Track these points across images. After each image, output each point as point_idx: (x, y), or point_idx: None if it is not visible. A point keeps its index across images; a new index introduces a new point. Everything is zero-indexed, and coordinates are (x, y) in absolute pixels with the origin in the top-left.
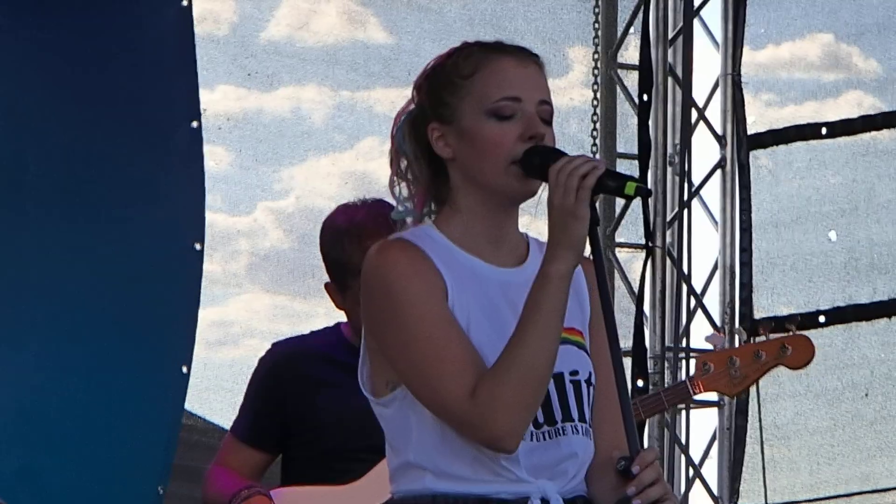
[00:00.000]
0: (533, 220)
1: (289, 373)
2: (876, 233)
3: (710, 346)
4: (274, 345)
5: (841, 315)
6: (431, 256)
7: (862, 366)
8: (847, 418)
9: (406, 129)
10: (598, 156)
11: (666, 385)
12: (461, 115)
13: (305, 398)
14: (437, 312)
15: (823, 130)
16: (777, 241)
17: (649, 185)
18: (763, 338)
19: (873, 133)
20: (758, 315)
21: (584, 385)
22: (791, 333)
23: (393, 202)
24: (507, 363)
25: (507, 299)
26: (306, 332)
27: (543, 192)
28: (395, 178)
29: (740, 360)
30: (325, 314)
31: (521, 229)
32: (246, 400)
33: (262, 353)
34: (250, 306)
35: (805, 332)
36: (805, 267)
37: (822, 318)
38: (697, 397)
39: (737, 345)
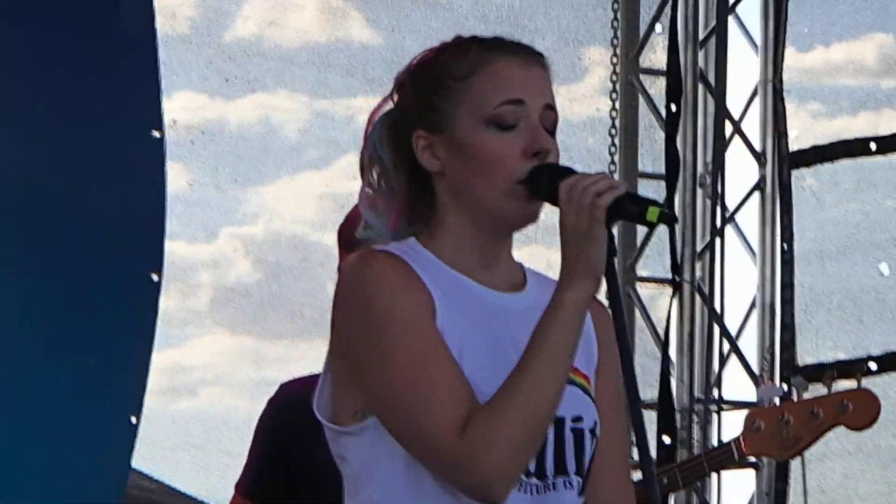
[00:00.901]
0: (534, 247)
1: (295, 420)
2: None
3: (745, 398)
4: (282, 386)
5: (895, 361)
6: (418, 271)
7: None
8: None
9: (384, 133)
10: (616, 176)
11: (694, 443)
12: (454, 124)
13: (309, 450)
14: (425, 333)
15: (873, 146)
16: (822, 275)
17: (676, 210)
18: (824, 390)
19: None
20: (801, 361)
21: (587, 435)
22: (855, 387)
23: None
24: (506, 397)
25: (505, 326)
26: (272, 378)
27: (550, 216)
28: (367, 189)
29: (793, 419)
30: (300, 358)
31: (522, 258)
32: (250, 449)
33: (224, 403)
34: (212, 349)
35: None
36: (853, 305)
37: (872, 365)
38: None
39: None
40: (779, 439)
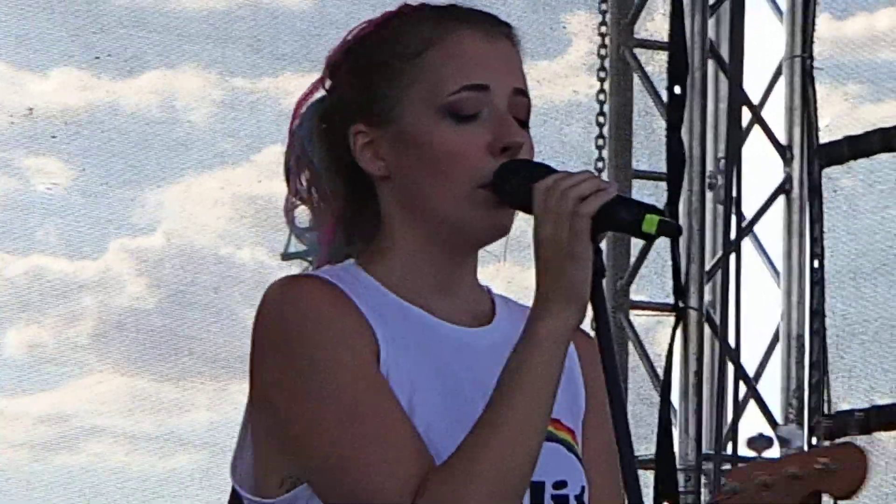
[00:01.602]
0: (503, 267)
1: None
2: None
3: (765, 454)
4: None
5: None
6: (357, 302)
7: None
8: None
9: (314, 128)
10: (605, 175)
11: None
12: (401, 114)
13: None
14: (366, 378)
15: None
16: (856, 298)
17: (681, 219)
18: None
19: None
20: (833, 408)
21: (573, 502)
22: (837, 443)
23: None
24: (470, 456)
25: (467, 368)
26: (179, 429)
27: (525, 227)
28: (293, 196)
29: (773, 482)
30: (208, 406)
31: (486, 282)
32: None
33: (112, 460)
34: (97, 393)
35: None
36: (892, 337)
37: None
38: None
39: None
40: None
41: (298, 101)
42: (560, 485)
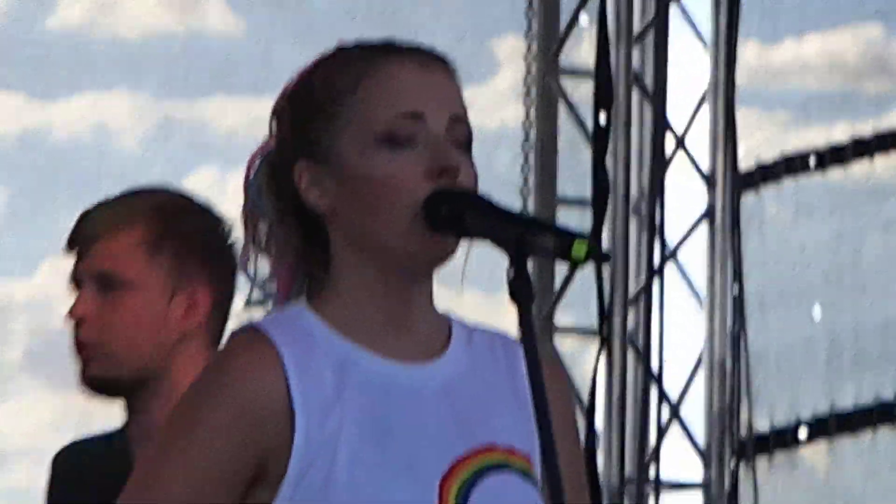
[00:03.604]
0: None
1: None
2: (863, 311)
3: (688, 479)
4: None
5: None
6: (286, 361)
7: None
8: None
9: (264, 179)
10: (531, 202)
11: None
12: (340, 150)
13: None
14: (199, 474)
15: (812, 161)
16: (763, 327)
17: (605, 245)
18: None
19: (866, 163)
20: (745, 430)
21: None
22: None
23: None
24: None
25: (406, 410)
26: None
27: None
28: (251, 250)
29: None
30: None
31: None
32: None
33: (43, 481)
34: (29, 412)
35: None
36: (787, 362)
37: (802, 433)
38: None
39: None
40: None
41: (250, 157)
42: None
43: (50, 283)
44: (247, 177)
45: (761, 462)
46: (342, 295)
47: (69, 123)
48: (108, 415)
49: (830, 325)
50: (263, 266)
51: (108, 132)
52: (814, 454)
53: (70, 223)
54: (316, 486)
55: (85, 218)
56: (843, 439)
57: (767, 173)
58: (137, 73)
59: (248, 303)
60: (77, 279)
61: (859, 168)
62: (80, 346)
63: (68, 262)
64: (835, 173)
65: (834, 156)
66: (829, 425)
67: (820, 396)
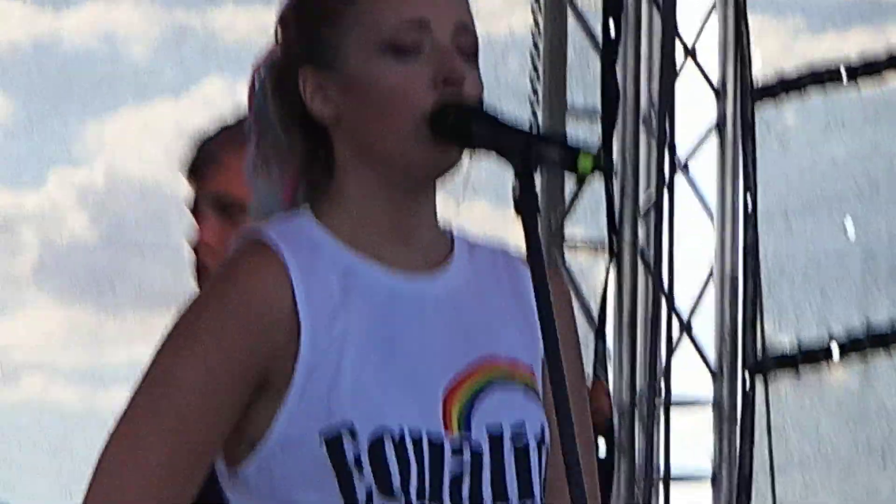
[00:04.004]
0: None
1: None
2: None
3: (699, 394)
4: None
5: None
6: (291, 266)
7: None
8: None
9: (269, 86)
10: (540, 112)
11: (636, 450)
12: (345, 56)
13: None
14: (206, 378)
15: (843, 73)
16: (786, 236)
17: (615, 156)
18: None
19: None
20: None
21: (532, 446)
22: None
23: None
24: None
25: (410, 318)
26: (114, 362)
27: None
28: (256, 158)
29: None
30: (149, 338)
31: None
32: None
33: (53, 393)
34: (37, 324)
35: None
36: (817, 274)
37: (835, 350)
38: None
39: None
40: None
41: (255, 64)
42: (518, 425)
43: (57, 195)
44: (252, 84)
45: (785, 379)
46: (346, 205)
47: (76, 35)
48: (117, 329)
49: (864, 238)
50: (270, 175)
51: (116, 43)
52: (845, 372)
53: (79, 132)
54: (322, 390)
55: (204, 143)
56: (877, 357)
57: (790, 85)
58: None
59: (252, 213)
60: (197, 205)
61: (893, 79)
62: (203, 273)
63: (77, 173)
64: (866, 84)
65: (867, 68)
66: (862, 342)
67: (853, 311)
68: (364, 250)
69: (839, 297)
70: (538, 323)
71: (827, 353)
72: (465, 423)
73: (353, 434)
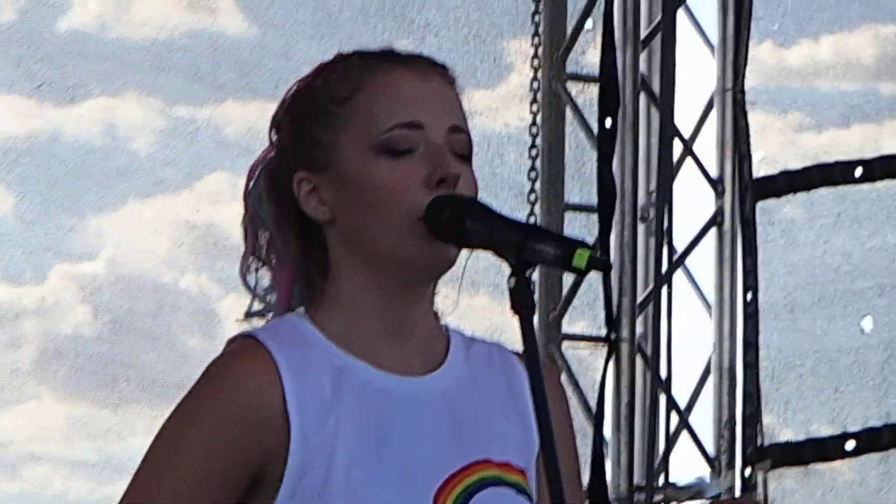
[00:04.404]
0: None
1: None
2: None
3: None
4: None
5: (875, 439)
6: (282, 366)
7: None
8: None
9: (264, 188)
10: (538, 207)
11: None
12: (339, 156)
13: None
14: (197, 476)
15: (858, 172)
16: (793, 331)
17: (612, 251)
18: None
19: None
20: (769, 438)
21: None
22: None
23: None
24: None
25: (404, 419)
26: (116, 456)
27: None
28: (251, 260)
29: None
30: (148, 431)
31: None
32: None
33: (53, 487)
34: (37, 418)
35: (826, 464)
36: (830, 370)
37: (850, 444)
38: None
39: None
40: None
41: (251, 166)
42: None
43: (60, 290)
44: (247, 186)
45: (791, 472)
46: (340, 304)
47: (78, 130)
48: (117, 423)
49: (878, 335)
50: (264, 276)
51: (118, 139)
52: (856, 467)
53: (81, 226)
54: (314, 488)
55: None
56: (891, 454)
57: (795, 180)
58: (149, 78)
59: (249, 313)
60: None
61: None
62: None
63: (79, 267)
64: (881, 182)
65: (882, 165)
66: (881, 436)
67: (871, 408)
68: (357, 350)
69: (854, 393)
70: (533, 421)
71: (840, 449)
72: None
73: None
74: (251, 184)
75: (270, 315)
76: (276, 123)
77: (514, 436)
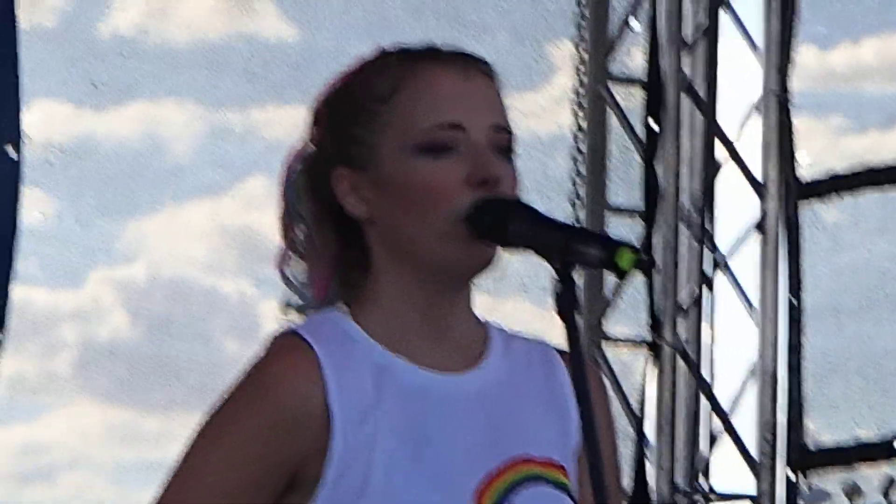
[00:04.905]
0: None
1: None
2: None
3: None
4: None
5: None
6: (324, 363)
7: None
8: None
9: (302, 183)
10: (582, 209)
11: None
12: (379, 156)
13: None
14: (237, 476)
15: None
16: (838, 335)
17: (656, 254)
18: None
19: None
20: (812, 443)
21: None
22: None
23: None
24: None
25: (444, 418)
26: (154, 461)
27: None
28: (288, 253)
29: None
30: (183, 435)
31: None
32: None
33: (88, 493)
34: (77, 424)
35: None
36: (877, 373)
37: None
38: None
39: None
40: None
41: (287, 158)
42: None
43: (100, 294)
44: (285, 181)
45: (834, 475)
46: (380, 302)
47: (120, 133)
48: (156, 428)
49: None
50: (301, 271)
51: (161, 141)
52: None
53: (120, 231)
54: (353, 488)
55: None
56: None
57: (840, 182)
58: (192, 80)
59: (287, 308)
60: None
61: None
62: None
63: (118, 272)
64: None
65: None
66: None
67: None
68: (398, 348)
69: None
70: (573, 419)
71: (890, 450)
72: None
73: None
74: (288, 178)
75: (307, 311)
76: (315, 118)
77: (555, 432)
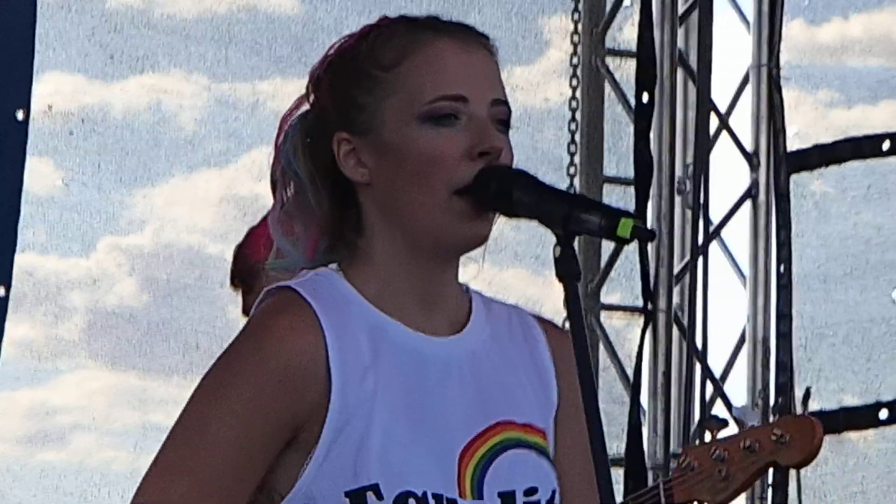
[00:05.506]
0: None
1: None
2: None
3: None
4: None
5: None
6: (324, 323)
7: None
8: None
9: (298, 142)
10: (577, 180)
11: None
12: (381, 122)
13: None
14: (231, 444)
15: (886, 145)
16: (825, 302)
17: (649, 223)
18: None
19: None
20: (800, 407)
21: None
22: (789, 416)
23: None
24: None
25: (435, 380)
26: (161, 425)
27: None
28: (280, 210)
29: (729, 455)
30: None
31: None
32: None
33: (100, 454)
34: (85, 388)
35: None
36: (862, 340)
37: (883, 413)
38: None
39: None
40: (711, 481)
41: (283, 116)
42: (531, 491)
43: (107, 261)
44: (281, 137)
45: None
46: (374, 265)
47: (126, 103)
48: (163, 393)
49: None
50: (293, 228)
51: (165, 112)
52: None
53: (128, 200)
54: (350, 449)
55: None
56: None
57: (827, 154)
58: (195, 51)
59: (272, 263)
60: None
61: None
62: None
63: (126, 240)
64: None
65: None
66: None
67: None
68: (390, 310)
69: (886, 362)
70: (552, 383)
71: (873, 418)
72: (478, 489)
73: (378, 495)
74: (286, 136)
75: (295, 267)
76: (316, 80)
77: (536, 396)
